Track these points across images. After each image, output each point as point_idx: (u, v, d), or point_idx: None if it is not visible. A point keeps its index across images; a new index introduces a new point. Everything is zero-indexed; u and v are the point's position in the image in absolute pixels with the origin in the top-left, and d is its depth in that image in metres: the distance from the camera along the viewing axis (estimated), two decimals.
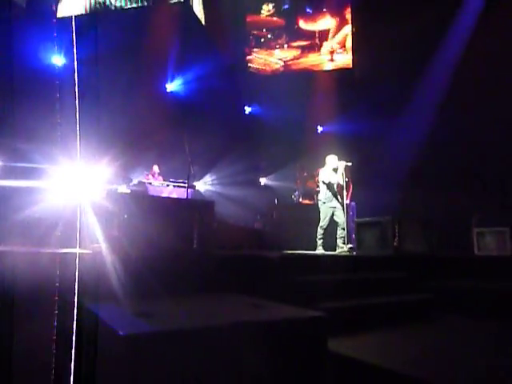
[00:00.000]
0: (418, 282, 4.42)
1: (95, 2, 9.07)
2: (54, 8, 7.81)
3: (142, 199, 4.36)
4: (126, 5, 8.90)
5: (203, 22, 9.59)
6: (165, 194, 8.22)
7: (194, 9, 9.17)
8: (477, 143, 9.36)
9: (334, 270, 4.45)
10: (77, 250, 3.17)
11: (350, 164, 6.87)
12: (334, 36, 11.53)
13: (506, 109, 8.98)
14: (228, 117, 10.91)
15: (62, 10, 8.94)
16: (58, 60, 8.65)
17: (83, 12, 9.06)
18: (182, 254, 3.35)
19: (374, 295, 3.93)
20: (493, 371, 2.56)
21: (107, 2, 8.94)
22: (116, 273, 3.42)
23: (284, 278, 3.90)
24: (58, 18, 8.84)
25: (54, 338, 2.43)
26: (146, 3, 8.97)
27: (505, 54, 9.07)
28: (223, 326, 2.28)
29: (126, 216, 3.88)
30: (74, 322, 2.52)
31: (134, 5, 8.85)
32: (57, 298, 2.64)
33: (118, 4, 8.89)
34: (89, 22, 8.85)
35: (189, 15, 9.28)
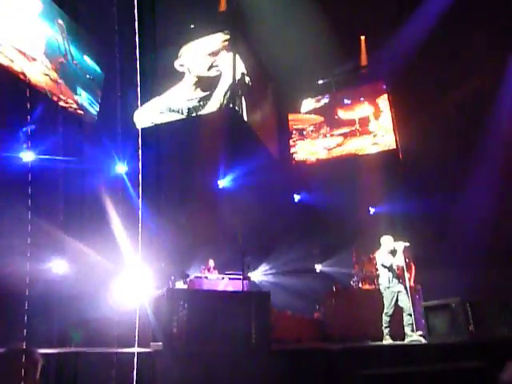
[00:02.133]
0: (498, 371, 3.90)
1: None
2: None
3: (198, 294, 4.42)
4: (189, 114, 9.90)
5: (249, 122, 10.41)
6: (220, 287, 8.27)
7: (241, 112, 10.05)
8: None
9: (402, 361, 4.09)
10: (135, 349, 3.22)
11: (408, 244, 6.64)
12: (374, 120, 11.97)
13: None
14: (278, 207, 11.20)
15: (139, 121, 9.99)
16: (121, 168, 9.66)
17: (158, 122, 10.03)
18: (241, 351, 3.28)
19: None
20: None
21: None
22: (173, 372, 3.39)
23: (348, 372, 3.65)
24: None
25: None
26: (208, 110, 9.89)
27: None
28: None
29: (183, 311, 3.94)
30: None
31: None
32: None
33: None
34: (152, 131, 9.86)
35: (236, 117, 10.14)
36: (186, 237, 8.75)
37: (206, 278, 8.58)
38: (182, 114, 9.80)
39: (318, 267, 12.10)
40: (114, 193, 8.34)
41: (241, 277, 7.38)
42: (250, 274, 10.26)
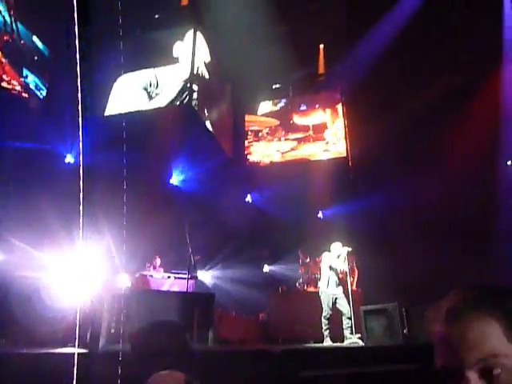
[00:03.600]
0: (430, 373, 4.15)
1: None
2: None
3: (142, 294, 4.30)
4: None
5: (204, 121, 10.31)
6: (166, 287, 8.10)
7: (197, 108, 9.93)
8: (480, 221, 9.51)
9: (339, 363, 4.22)
10: (75, 350, 3.09)
11: (350, 249, 6.88)
12: (327, 128, 12.31)
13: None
14: (230, 207, 11.18)
15: (111, 109, 9.56)
16: (70, 158, 9.19)
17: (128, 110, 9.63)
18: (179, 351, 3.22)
19: None
20: None
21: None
22: (111, 373, 3.26)
23: (288, 374, 3.70)
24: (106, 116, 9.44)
25: None
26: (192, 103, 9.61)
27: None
28: None
29: (124, 312, 3.81)
30: None
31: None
32: None
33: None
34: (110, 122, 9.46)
35: (191, 115, 10.00)
36: (132, 233, 8.48)
37: (152, 276, 8.37)
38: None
39: (266, 268, 12.22)
40: (59, 182, 7.90)
41: (187, 276, 7.28)
42: (197, 274, 10.16)
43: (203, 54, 10.32)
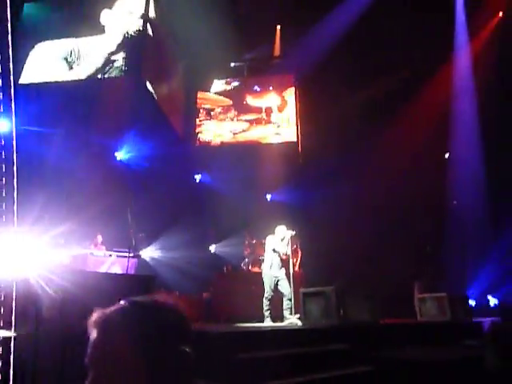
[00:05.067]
0: (361, 353, 4.41)
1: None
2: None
3: (79, 275, 4.14)
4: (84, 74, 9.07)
5: (154, 95, 9.95)
6: (106, 265, 7.86)
7: (146, 83, 9.56)
8: (413, 209, 10.10)
9: (278, 343, 4.36)
10: (12, 334, 2.94)
11: (294, 233, 7.04)
12: (279, 111, 12.35)
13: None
14: (177, 186, 10.98)
15: (25, 77, 8.95)
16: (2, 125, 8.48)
17: (45, 80, 9.09)
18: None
19: (317, 370, 3.86)
20: None
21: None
22: (45, 358, 3.13)
23: (227, 355, 3.76)
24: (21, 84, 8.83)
25: None
26: (114, 74, 9.20)
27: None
28: None
29: (59, 294, 3.64)
30: None
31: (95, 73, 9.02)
32: None
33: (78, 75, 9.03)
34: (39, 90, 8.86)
35: (140, 88, 9.61)
36: (74, 209, 8.09)
37: (92, 253, 8.07)
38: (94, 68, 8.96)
39: (212, 248, 12.25)
40: None
41: (128, 255, 7.11)
42: (141, 252, 9.95)
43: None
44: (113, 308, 1.03)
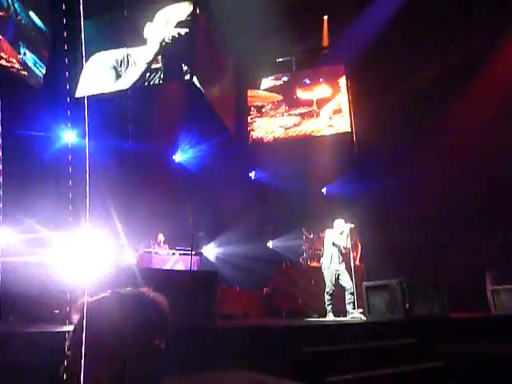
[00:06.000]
0: (429, 348, 4.23)
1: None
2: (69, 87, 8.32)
3: (146, 272, 4.36)
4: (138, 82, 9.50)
5: (206, 96, 10.19)
6: (170, 263, 8.21)
7: (198, 85, 9.80)
8: (481, 195, 9.46)
9: (342, 338, 4.30)
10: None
11: (353, 226, 6.89)
12: (331, 103, 12.12)
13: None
14: (233, 184, 11.18)
15: (81, 91, 9.51)
16: (70, 137, 9.13)
17: (101, 92, 9.61)
18: (185, 328, 3.29)
19: (385, 365, 3.75)
20: None
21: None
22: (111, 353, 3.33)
23: (290, 349, 3.78)
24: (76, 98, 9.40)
25: None
26: (156, 82, 9.57)
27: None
28: None
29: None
30: None
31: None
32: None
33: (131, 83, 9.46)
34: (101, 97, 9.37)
35: (194, 91, 9.88)
36: (137, 211, 8.54)
37: (156, 252, 8.47)
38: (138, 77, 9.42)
39: (271, 244, 12.34)
40: (61, 162, 7.89)
41: (191, 252, 7.35)
42: (202, 249, 10.28)
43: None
44: (96, 297, 1.11)
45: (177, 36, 9.58)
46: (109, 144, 8.91)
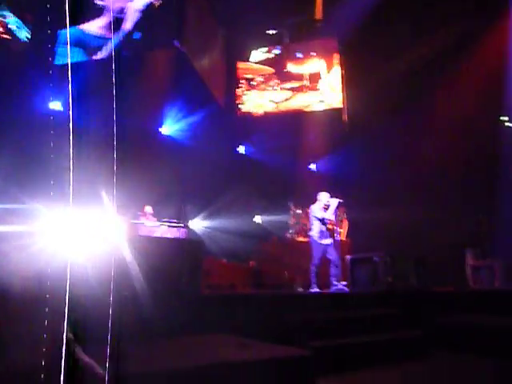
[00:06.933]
0: (410, 318, 4.37)
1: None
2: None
3: (135, 241, 4.38)
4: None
5: (195, 66, 9.97)
6: (158, 234, 8.21)
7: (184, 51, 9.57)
8: (465, 173, 9.63)
9: (325, 308, 4.42)
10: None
11: (341, 201, 6.95)
12: (323, 78, 11.98)
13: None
14: (221, 157, 11.11)
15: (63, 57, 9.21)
16: (55, 104, 8.90)
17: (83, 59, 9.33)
18: (168, 296, 3.35)
19: (365, 333, 3.88)
20: None
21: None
22: (101, 316, 3.38)
23: (275, 317, 3.87)
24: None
25: None
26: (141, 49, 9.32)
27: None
28: (207, 365, 2.27)
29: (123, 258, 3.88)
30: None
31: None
32: None
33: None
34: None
35: (182, 60, 9.66)
36: (123, 183, 8.46)
37: (143, 224, 8.45)
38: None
39: (258, 218, 12.41)
40: (45, 130, 7.69)
41: (179, 225, 7.38)
42: (189, 223, 10.29)
43: None
44: None
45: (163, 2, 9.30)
46: (93, 115, 8.71)
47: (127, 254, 3.80)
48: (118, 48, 9.07)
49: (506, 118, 10.87)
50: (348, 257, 6.35)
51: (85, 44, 9.18)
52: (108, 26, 9.10)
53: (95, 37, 9.11)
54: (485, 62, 10.25)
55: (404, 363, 3.60)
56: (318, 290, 6.55)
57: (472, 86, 10.06)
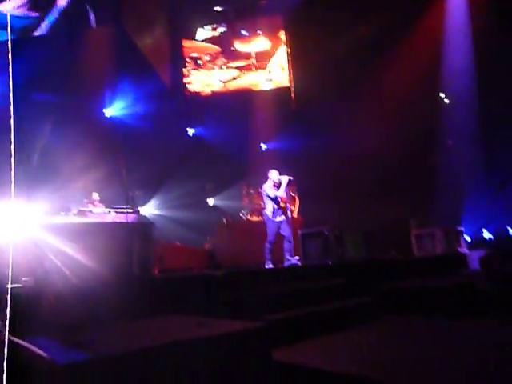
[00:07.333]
0: (360, 286, 4.58)
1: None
2: None
3: (78, 227, 4.19)
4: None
5: (138, 45, 9.55)
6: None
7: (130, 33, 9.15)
8: (409, 149, 10.11)
9: (279, 282, 4.50)
10: (8, 285, 3.00)
11: (291, 178, 7.04)
12: (270, 56, 11.94)
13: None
14: (170, 140, 10.84)
15: None
16: None
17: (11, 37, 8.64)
18: (120, 280, 3.25)
19: (318, 304, 4.01)
20: (428, 364, 2.70)
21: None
22: (50, 305, 3.23)
23: (229, 294, 3.89)
24: None
25: None
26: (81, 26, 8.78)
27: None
28: (161, 345, 2.23)
29: (61, 247, 3.70)
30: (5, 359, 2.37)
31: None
32: None
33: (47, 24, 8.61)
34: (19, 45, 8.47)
35: (124, 39, 9.22)
36: (66, 168, 8.02)
37: (91, 211, 8.10)
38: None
39: (211, 201, 12.33)
40: None
41: (128, 210, 7.13)
42: (139, 208, 10.00)
43: None
44: None
45: None
46: (31, 97, 8.16)
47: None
48: (55, 25, 8.48)
49: (443, 95, 11.50)
50: (299, 231, 6.48)
51: (10, 25, 8.45)
52: (29, 5, 8.45)
53: (17, 17, 8.44)
54: (424, 42, 10.68)
55: (355, 328, 3.77)
56: (272, 265, 6.67)
57: (412, 65, 10.48)
